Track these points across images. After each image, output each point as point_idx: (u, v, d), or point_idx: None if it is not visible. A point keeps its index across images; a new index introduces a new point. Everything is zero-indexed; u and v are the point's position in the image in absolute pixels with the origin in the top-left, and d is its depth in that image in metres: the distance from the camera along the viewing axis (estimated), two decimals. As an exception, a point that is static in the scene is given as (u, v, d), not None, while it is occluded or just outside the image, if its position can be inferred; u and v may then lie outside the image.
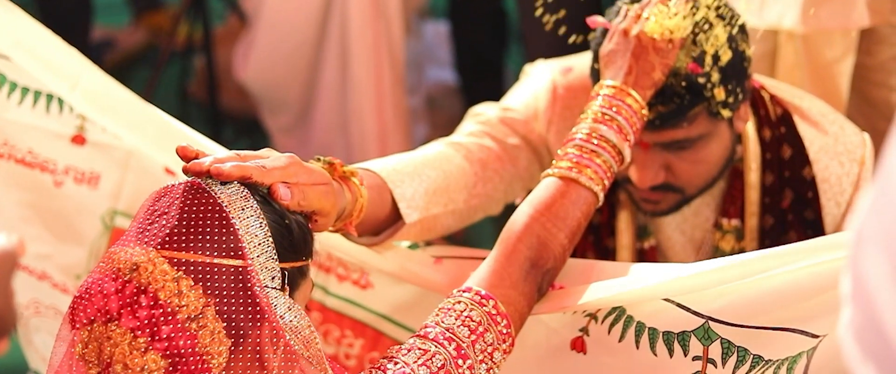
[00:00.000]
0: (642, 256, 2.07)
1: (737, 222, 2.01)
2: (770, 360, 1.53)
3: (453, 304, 1.52)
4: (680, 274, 1.55)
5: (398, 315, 1.95)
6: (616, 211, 2.05)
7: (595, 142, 1.70)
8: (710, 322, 1.56)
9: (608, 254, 2.06)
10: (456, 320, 1.49)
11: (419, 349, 1.45)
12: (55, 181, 1.99)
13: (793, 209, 1.98)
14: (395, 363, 1.42)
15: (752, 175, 1.99)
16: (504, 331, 1.52)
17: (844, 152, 1.97)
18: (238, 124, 4.24)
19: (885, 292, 0.87)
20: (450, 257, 1.81)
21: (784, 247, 1.51)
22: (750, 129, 1.98)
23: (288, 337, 1.32)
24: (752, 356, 1.54)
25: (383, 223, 1.76)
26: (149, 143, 1.83)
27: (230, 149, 1.51)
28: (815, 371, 1.51)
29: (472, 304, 1.52)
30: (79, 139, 1.95)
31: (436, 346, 1.45)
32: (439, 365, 1.43)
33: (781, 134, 1.98)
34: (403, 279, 1.84)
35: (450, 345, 1.46)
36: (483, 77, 4.02)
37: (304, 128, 3.74)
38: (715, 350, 1.56)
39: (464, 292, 1.54)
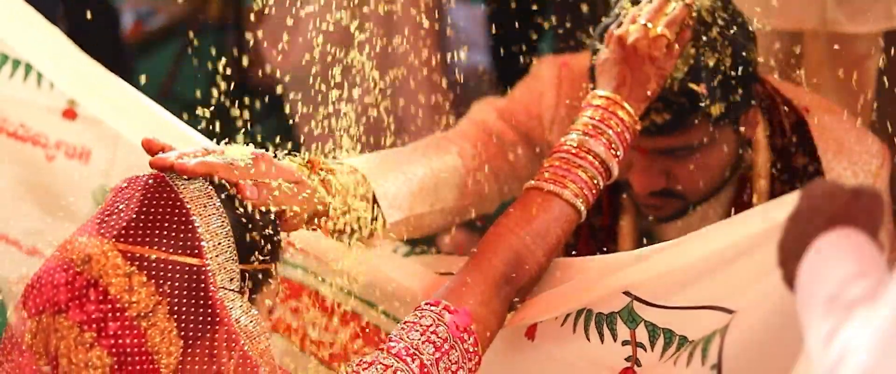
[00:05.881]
0: None
1: (744, 231, 1.94)
2: (693, 341, 1.50)
3: (419, 318, 1.46)
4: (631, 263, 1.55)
5: (384, 303, 1.89)
6: (618, 215, 1.98)
7: (582, 156, 1.63)
8: (634, 302, 1.54)
9: (609, 260, 1.99)
10: (421, 336, 1.43)
11: (381, 363, 1.39)
12: (47, 155, 1.96)
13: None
14: None
15: (762, 183, 1.91)
16: (470, 349, 1.46)
17: (859, 163, 1.90)
18: (269, 101, 4.19)
19: None
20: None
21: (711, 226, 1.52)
22: (761, 136, 1.90)
23: (243, 342, 1.28)
24: (678, 337, 1.52)
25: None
26: (131, 128, 1.80)
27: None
28: (730, 349, 1.46)
29: (438, 319, 1.46)
30: (70, 113, 1.93)
31: (398, 362, 1.40)
32: None
33: (794, 142, 1.91)
34: (374, 281, 1.78)
35: (413, 362, 1.40)
36: (517, 61, 3.94)
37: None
38: (642, 334, 1.54)
39: (432, 305, 1.48)
